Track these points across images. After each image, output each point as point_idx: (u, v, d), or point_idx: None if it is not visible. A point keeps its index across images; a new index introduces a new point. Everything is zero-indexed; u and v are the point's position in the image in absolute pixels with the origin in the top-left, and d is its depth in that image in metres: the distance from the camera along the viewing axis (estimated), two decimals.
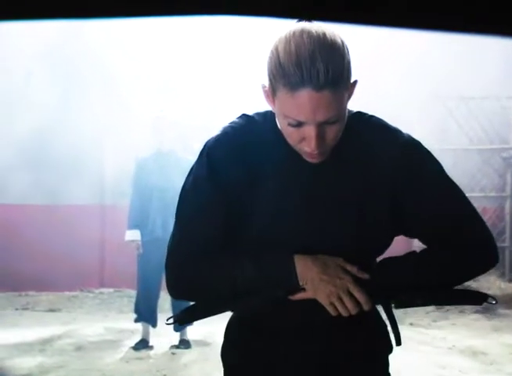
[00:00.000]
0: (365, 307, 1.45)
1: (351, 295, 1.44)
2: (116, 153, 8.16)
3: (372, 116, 1.56)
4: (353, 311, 1.44)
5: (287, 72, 1.35)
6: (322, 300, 1.45)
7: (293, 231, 1.50)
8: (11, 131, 8.05)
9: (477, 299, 1.53)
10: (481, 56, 7.59)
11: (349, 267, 1.46)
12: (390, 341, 1.64)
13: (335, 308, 1.45)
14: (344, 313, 1.44)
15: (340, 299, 1.44)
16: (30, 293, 8.07)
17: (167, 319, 1.54)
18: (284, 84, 1.36)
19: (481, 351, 5.42)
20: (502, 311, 7.11)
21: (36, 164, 8.12)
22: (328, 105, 1.36)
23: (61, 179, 8.12)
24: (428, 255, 1.52)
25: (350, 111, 1.51)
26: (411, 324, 6.45)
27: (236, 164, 1.50)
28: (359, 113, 1.56)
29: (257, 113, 1.57)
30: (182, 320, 1.59)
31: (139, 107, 7.95)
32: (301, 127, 1.39)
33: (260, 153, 1.51)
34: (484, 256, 1.53)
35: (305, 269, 1.44)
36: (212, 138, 1.54)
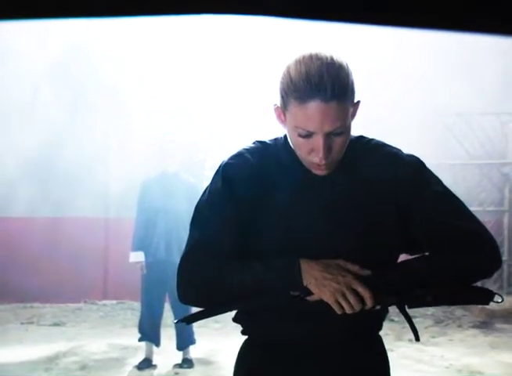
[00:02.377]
0: (369, 303, 1.51)
1: (355, 292, 1.51)
2: (121, 167, 8.25)
3: (373, 139, 1.70)
4: (357, 307, 1.51)
5: (298, 87, 1.51)
6: (328, 298, 1.51)
7: (304, 244, 1.59)
8: (17, 145, 8.14)
9: (485, 297, 1.58)
10: (480, 73, 7.67)
11: (350, 266, 1.54)
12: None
13: (340, 305, 1.51)
14: (348, 310, 1.51)
15: (344, 296, 1.51)
16: (35, 305, 8.18)
17: (176, 322, 1.64)
18: (295, 97, 1.52)
19: (478, 370, 5.51)
20: (499, 326, 7.20)
21: (41, 178, 8.21)
22: (335, 116, 1.51)
23: (66, 193, 8.21)
24: (436, 257, 1.60)
25: (352, 135, 1.63)
26: (410, 340, 6.53)
27: (249, 181, 1.62)
28: (361, 136, 1.70)
29: (269, 139, 1.72)
30: (189, 320, 1.64)
31: (144, 122, 8.04)
32: (310, 138, 1.54)
33: (272, 171, 1.63)
34: (489, 257, 1.61)
35: (309, 268, 1.52)
36: (228, 158, 1.68)
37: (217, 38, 8.02)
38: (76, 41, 7.96)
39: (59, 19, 0.89)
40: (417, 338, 1.64)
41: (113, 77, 8.08)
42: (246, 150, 1.68)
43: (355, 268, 1.54)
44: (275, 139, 1.71)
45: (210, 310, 1.62)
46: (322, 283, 1.52)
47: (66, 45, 7.97)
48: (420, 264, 1.61)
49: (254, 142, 1.71)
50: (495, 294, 1.58)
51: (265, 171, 1.63)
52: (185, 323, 1.65)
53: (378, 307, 1.58)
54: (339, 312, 1.52)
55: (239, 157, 1.66)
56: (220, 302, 1.60)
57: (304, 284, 1.53)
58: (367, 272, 1.55)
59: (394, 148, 1.69)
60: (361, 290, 1.51)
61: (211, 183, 1.67)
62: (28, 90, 8.20)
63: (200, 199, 1.68)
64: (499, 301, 1.57)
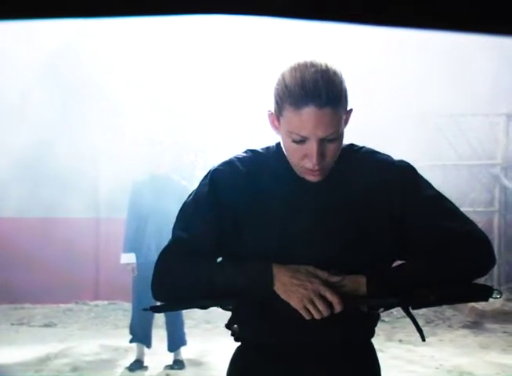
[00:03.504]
0: (337, 308, 1.53)
1: (323, 298, 1.53)
2: (111, 167, 8.24)
3: (363, 146, 1.72)
4: (325, 313, 1.53)
5: (293, 92, 1.53)
6: (296, 304, 1.53)
7: (297, 250, 1.61)
8: (8, 146, 8.11)
9: (485, 293, 1.61)
10: (470, 75, 7.71)
11: (320, 272, 1.56)
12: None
13: (308, 311, 1.53)
14: (316, 316, 1.53)
15: (312, 302, 1.53)
16: (26, 306, 8.16)
17: (143, 310, 1.68)
18: (290, 103, 1.54)
19: (468, 371, 5.53)
20: (489, 326, 7.23)
21: (32, 178, 8.19)
22: (328, 122, 1.53)
23: (57, 193, 8.19)
24: (434, 257, 1.62)
25: (343, 143, 1.65)
26: (400, 341, 6.56)
27: (237, 188, 1.64)
28: (352, 144, 1.72)
29: (261, 148, 1.74)
30: (156, 310, 1.70)
31: (135, 123, 8.03)
32: (304, 144, 1.56)
33: (263, 180, 1.65)
34: (484, 255, 1.64)
35: (279, 274, 1.55)
36: (218, 164, 1.70)
37: (209, 39, 8.03)
38: (67, 41, 7.95)
39: (58, 20, 0.89)
40: (423, 338, 1.68)
41: (104, 77, 8.07)
42: (237, 158, 1.70)
43: (324, 274, 1.56)
44: (267, 148, 1.73)
45: (179, 303, 1.67)
46: (290, 289, 1.54)
47: (56, 45, 7.95)
48: (418, 265, 1.63)
49: (245, 151, 1.73)
50: (494, 290, 1.61)
51: (254, 180, 1.65)
52: (153, 308, 1.69)
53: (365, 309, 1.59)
54: (307, 317, 1.54)
55: (228, 164, 1.69)
56: (190, 300, 1.64)
57: (274, 289, 1.55)
58: (337, 278, 1.56)
59: (385, 155, 1.71)
60: (329, 296, 1.53)
61: (198, 186, 1.70)
62: (19, 90, 8.18)
63: (186, 200, 1.71)
64: (498, 296, 1.60)
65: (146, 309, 1.66)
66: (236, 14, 0.88)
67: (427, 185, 1.68)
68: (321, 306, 1.52)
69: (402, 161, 1.70)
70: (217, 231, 1.63)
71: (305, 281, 1.53)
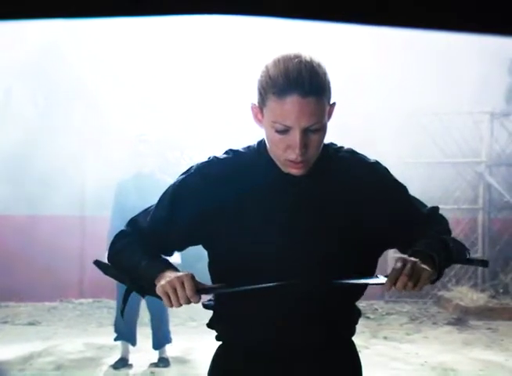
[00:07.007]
0: (193, 301, 1.55)
1: (185, 289, 1.55)
2: (96, 165, 8.21)
3: (342, 146, 1.75)
4: (183, 301, 1.54)
5: (276, 82, 1.53)
6: (159, 292, 1.57)
7: (281, 247, 1.62)
8: None
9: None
10: (455, 73, 7.74)
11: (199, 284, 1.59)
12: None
13: (169, 298, 1.56)
14: (175, 302, 1.55)
15: (174, 289, 1.55)
16: (10, 304, 8.12)
17: (94, 262, 1.76)
18: (274, 92, 1.54)
19: (452, 368, 5.56)
20: (473, 323, 7.28)
21: (16, 176, 8.14)
22: (312, 111, 1.53)
23: (41, 191, 8.15)
24: (432, 229, 1.71)
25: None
26: (385, 338, 6.59)
27: (211, 193, 1.65)
28: (332, 143, 1.73)
29: (242, 147, 1.73)
30: (101, 267, 1.78)
31: (120, 120, 8.00)
32: (287, 134, 1.56)
33: (244, 179, 1.65)
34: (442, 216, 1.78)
35: (162, 276, 1.59)
36: (199, 163, 1.72)
37: (194, 36, 8.01)
38: (51, 39, 7.90)
39: (57, 20, 0.89)
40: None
41: (89, 76, 8.03)
42: (217, 158, 1.71)
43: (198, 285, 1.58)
44: (248, 147, 1.73)
45: (114, 272, 1.78)
46: (160, 283, 1.57)
47: (41, 43, 7.90)
48: (433, 232, 1.71)
49: (226, 152, 1.73)
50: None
51: (233, 181, 1.65)
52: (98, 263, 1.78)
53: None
54: (167, 305, 1.56)
55: (202, 168, 1.70)
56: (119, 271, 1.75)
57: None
58: (197, 298, 1.57)
59: (362, 155, 1.74)
60: (187, 287, 1.54)
61: (175, 180, 1.74)
62: (2, 89, 8.13)
63: (164, 191, 1.76)
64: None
65: (95, 263, 1.77)
66: (235, 14, 0.88)
67: (399, 182, 1.76)
68: (181, 294, 1.54)
69: (377, 162, 1.75)
70: (166, 231, 1.70)
71: (174, 275, 1.57)
